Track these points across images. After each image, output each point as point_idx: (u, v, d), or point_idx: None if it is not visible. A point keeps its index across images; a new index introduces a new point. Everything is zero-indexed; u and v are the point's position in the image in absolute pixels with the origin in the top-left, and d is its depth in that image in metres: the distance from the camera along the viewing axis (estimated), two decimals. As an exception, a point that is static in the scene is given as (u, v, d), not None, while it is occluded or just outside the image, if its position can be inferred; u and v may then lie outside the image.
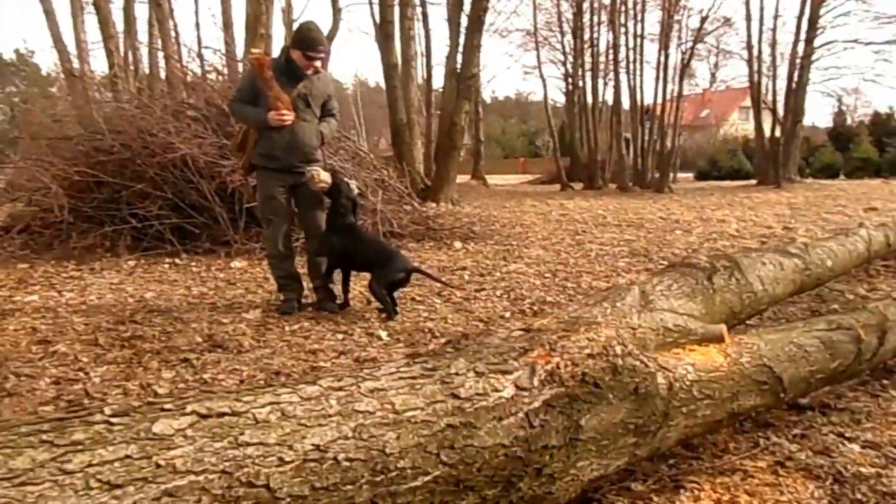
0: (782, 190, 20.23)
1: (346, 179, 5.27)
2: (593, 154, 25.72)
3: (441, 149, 11.89)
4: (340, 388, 1.48)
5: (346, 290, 5.21)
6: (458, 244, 8.49)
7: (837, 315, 2.99)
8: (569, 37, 27.47)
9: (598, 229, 10.29)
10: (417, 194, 10.37)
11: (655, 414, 2.00)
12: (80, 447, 1.14)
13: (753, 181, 25.01)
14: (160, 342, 4.31)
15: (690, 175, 31.20)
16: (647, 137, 24.37)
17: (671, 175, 23.12)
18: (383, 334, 4.47)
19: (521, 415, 1.66)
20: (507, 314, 5.02)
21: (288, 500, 1.27)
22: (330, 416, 1.40)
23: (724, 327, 2.44)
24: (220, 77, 9.27)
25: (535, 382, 1.73)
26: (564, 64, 28.10)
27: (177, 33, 13.26)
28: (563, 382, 1.77)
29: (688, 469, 2.38)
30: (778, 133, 23.16)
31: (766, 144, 23.46)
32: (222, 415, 1.30)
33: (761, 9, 23.28)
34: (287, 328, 4.70)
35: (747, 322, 3.51)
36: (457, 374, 1.64)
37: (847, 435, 2.66)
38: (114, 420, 1.21)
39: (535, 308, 5.18)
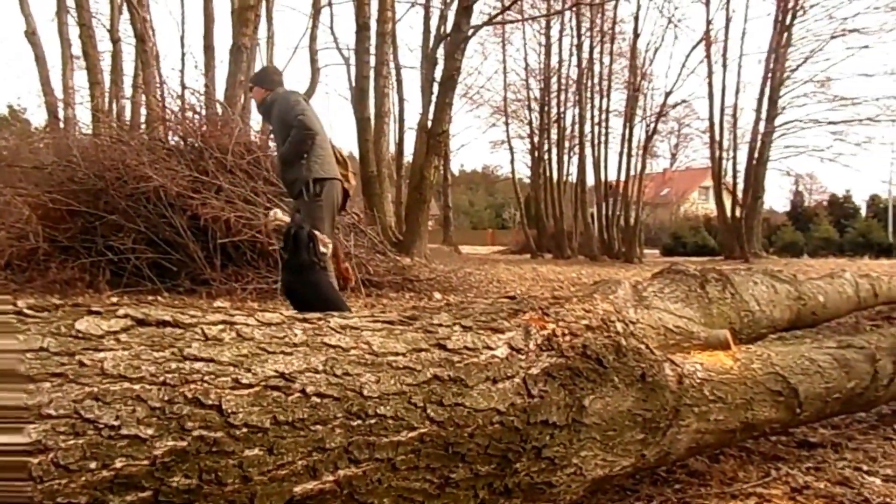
0: (752, 264, 20.35)
1: (305, 228, 4.80)
2: (559, 224, 25.90)
3: (411, 202, 11.87)
4: (306, 320, 1.27)
5: None
6: (437, 295, 8.29)
7: (848, 336, 2.81)
8: (536, 112, 28.03)
9: (575, 287, 10.15)
10: (390, 245, 10.21)
11: (665, 408, 1.80)
12: (-23, 333, 0.92)
13: (720, 256, 25.22)
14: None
15: (656, 251, 31.44)
16: (611, 212, 24.60)
17: (638, 248, 23.28)
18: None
19: (517, 380, 1.45)
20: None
21: (245, 430, 1.05)
22: (295, 345, 1.19)
23: (729, 332, 2.27)
24: (197, 116, 9.17)
25: (532, 346, 1.52)
26: (531, 137, 28.53)
27: (160, 75, 13.22)
28: (562, 352, 1.56)
29: (696, 493, 2.16)
30: (738, 212, 23.52)
31: (729, 220, 23.78)
32: (163, 324, 1.09)
33: (723, 87, 23.92)
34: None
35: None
36: (441, 325, 1.44)
37: (865, 469, 2.44)
38: (28, 311, 1.00)
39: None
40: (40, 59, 16.67)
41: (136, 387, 0.97)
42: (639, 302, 2.19)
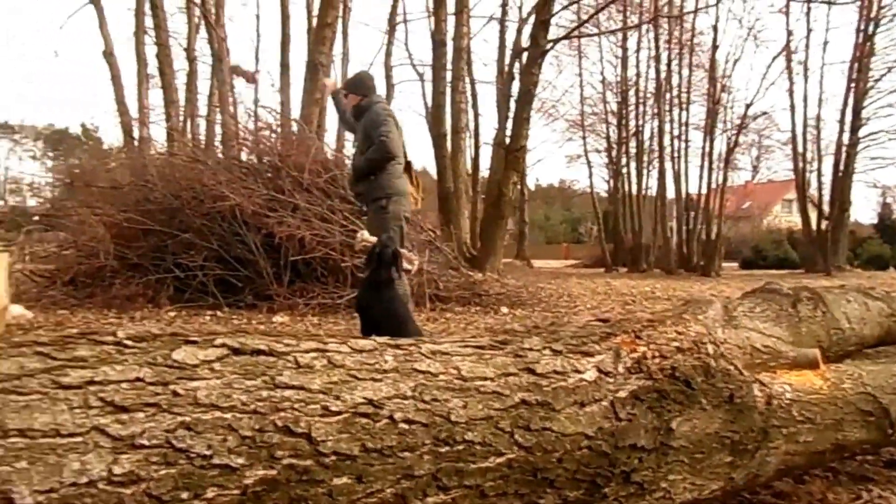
0: (834, 278, 19.59)
1: (390, 247, 4.65)
2: (637, 238, 25.53)
3: (489, 219, 11.80)
4: (398, 347, 1.25)
5: None
6: (504, 309, 8.23)
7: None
8: (613, 125, 27.64)
9: (648, 301, 9.94)
10: (465, 261, 10.20)
11: (753, 430, 1.72)
12: (81, 363, 0.93)
13: (801, 270, 24.39)
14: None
15: (735, 264, 30.58)
16: (691, 225, 24.12)
17: (717, 262, 22.69)
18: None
19: (605, 403, 1.40)
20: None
21: (334, 457, 1.04)
22: (385, 371, 1.17)
23: (818, 352, 2.16)
24: (273, 135, 9.36)
25: (620, 369, 1.47)
26: (609, 151, 28.18)
27: (234, 96, 13.61)
28: (650, 375, 1.51)
29: (783, 514, 2.06)
30: (824, 225, 22.74)
31: (814, 233, 23.00)
32: (258, 352, 1.08)
33: (805, 99, 23.17)
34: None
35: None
36: (531, 349, 1.40)
37: (974, 498, 2.28)
38: (128, 342, 1.01)
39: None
40: (116, 79, 17.25)
41: (228, 416, 0.97)
42: (728, 321, 2.09)
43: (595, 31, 19.71)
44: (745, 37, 23.10)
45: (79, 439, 0.86)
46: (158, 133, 18.53)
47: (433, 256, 8.81)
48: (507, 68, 16.25)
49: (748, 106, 23.26)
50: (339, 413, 1.06)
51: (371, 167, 5.05)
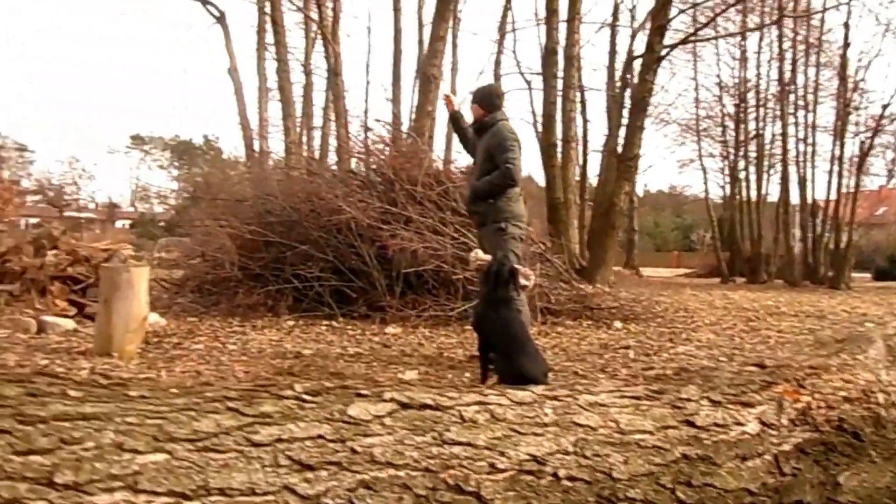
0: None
1: (506, 264, 4.62)
2: (756, 247, 24.34)
3: (599, 229, 11.61)
4: (555, 398, 1.24)
5: (483, 371, 4.55)
6: (618, 324, 8.05)
7: None
8: (731, 129, 26.51)
9: (773, 318, 9.49)
10: (574, 272, 10.06)
11: (927, 485, 1.60)
12: (268, 419, 0.97)
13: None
14: (318, 391, 4.23)
15: (867, 275, 28.67)
16: (817, 233, 22.72)
17: (847, 272, 21.30)
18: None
19: (768, 456, 1.34)
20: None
21: (501, 516, 1.03)
22: (546, 425, 1.16)
23: None
24: (387, 147, 9.54)
25: (784, 421, 1.40)
26: (726, 155, 27.09)
27: (344, 108, 13.97)
28: (816, 426, 1.43)
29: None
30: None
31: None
32: (424, 407, 1.09)
33: (948, 95, 21.44)
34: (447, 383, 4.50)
35: None
36: (688, 399, 1.36)
37: None
38: (306, 397, 1.04)
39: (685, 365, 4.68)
40: (239, 94, 18.11)
41: (402, 473, 0.98)
42: (892, 362, 1.96)
43: (713, 34, 18.94)
44: (883, 33, 21.66)
45: (271, 498, 0.89)
46: (277, 145, 19.29)
47: (544, 269, 8.73)
48: (619, 75, 15.95)
49: (885, 107, 21.83)
50: (505, 470, 1.06)
51: (493, 192, 5.04)
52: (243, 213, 9.22)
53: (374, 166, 9.02)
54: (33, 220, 38.87)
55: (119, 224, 65.09)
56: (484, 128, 5.29)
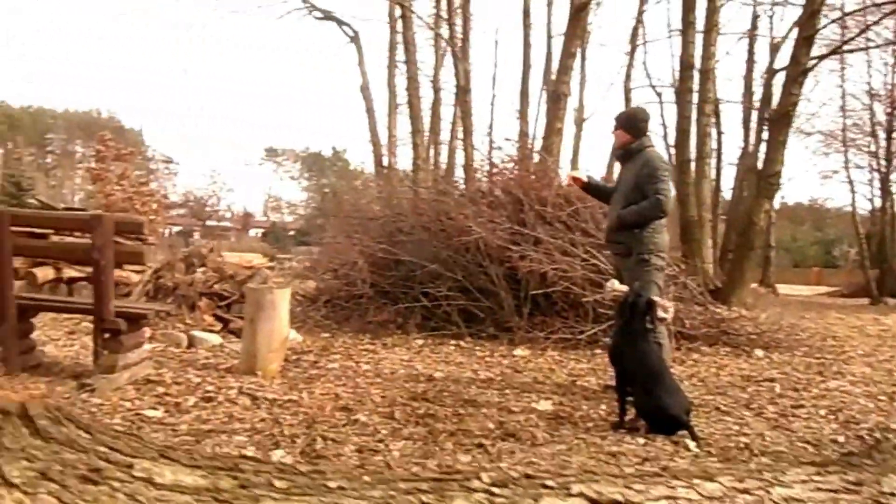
0: None
1: (643, 296, 4.57)
2: (913, 265, 22.49)
3: (736, 249, 11.11)
4: (745, 491, 1.16)
5: (622, 406, 4.45)
6: (759, 352, 7.64)
7: None
8: (882, 138, 24.67)
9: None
10: (708, 293, 9.65)
11: None
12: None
13: None
14: (453, 423, 4.23)
15: None
16: None
17: None
18: (692, 444, 3.98)
19: None
20: (840, 438, 4.26)
21: None
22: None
23: None
24: (516, 166, 9.51)
25: None
26: (876, 168, 25.24)
27: (473, 127, 14.09)
28: None
29: None
30: None
31: None
32: (613, 503, 1.05)
33: None
34: (581, 424, 4.40)
35: None
36: (892, 493, 1.23)
37: None
38: (495, 490, 1.02)
39: (877, 435, 4.34)
40: (370, 112, 18.65)
41: None
42: None
43: (865, 45, 17.65)
44: None
45: None
46: (405, 159, 19.71)
47: (677, 291, 8.43)
48: (756, 86, 15.24)
49: None
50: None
51: (640, 222, 4.90)
52: (374, 231, 9.43)
53: (502, 185, 8.99)
54: (176, 229, 41.48)
55: (252, 233, 68.72)
56: (629, 154, 5.15)
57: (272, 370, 5.36)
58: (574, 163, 15.16)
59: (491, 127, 17.54)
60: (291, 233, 58.27)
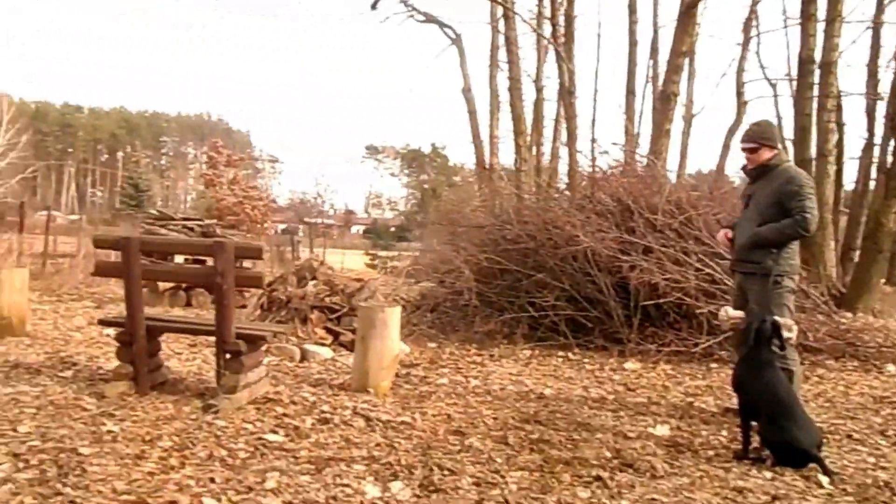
0: None
1: (768, 321, 4.35)
2: None
3: (862, 252, 10.38)
4: None
5: (745, 435, 4.26)
6: (891, 367, 7.15)
7: None
8: None
9: None
10: (831, 300, 9.10)
11: None
12: None
13: None
14: (568, 450, 4.15)
15: None
16: None
17: None
18: (825, 480, 3.75)
19: None
20: None
21: None
22: None
23: None
24: (624, 172, 9.25)
25: None
26: None
27: (574, 129, 13.70)
28: None
29: None
30: None
31: None
32: None
33: None
34: (702, 453, 4.23)
35: None
36: None
37: None
38: None
39: None
40: (472, 114, 18.55)
41: None
42: None
43: None
44: None
45: None
46: (507, 158, 19.50)
47: (798, 301, 7.98)
48: (883, 75, 14.19)
49: None
50: None
51: (780, 241, 4.64)
52: (478, 238, 9.39)
53: (609, 193, 8.76)
54: (282, 226, 42.78)
55: (354, 230, 70.29)
56: (764, 171, 4.89)
57: (384, 387, 5.41)
58: (682, 164, 14.60)
59: (594, 126, 17.10)
60: (392, 229, 59.31)
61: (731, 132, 15.94)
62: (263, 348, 5.15)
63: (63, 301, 10.80)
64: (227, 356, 4.78)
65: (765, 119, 5.46)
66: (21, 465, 3.37)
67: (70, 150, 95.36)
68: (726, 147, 16.29)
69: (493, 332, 8.36)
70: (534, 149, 17.07)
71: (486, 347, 8.07)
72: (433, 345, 8.25)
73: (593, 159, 9.52)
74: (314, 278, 7.37)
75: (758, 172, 4.94)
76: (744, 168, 5.14)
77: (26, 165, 57.19)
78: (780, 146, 5.00)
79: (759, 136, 4.94)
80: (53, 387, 4.94)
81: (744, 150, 5.03)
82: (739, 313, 4.64)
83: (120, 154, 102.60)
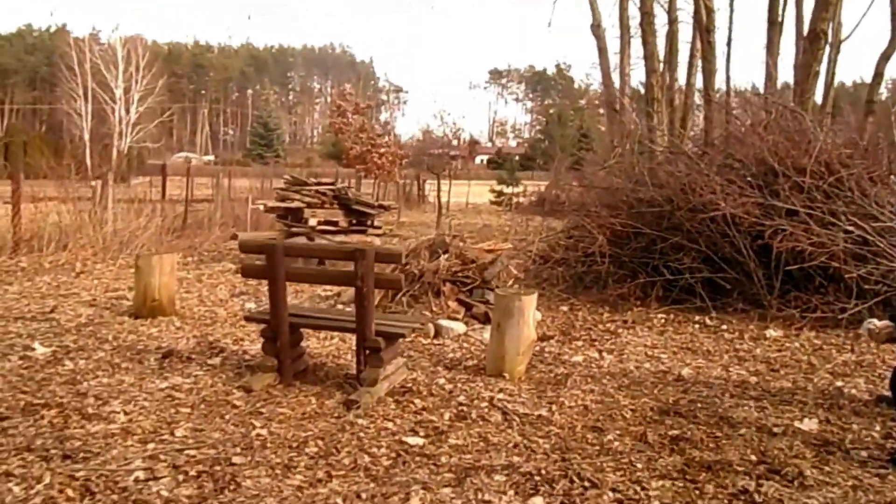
0: None
1: None
2: None
3: None
4: None
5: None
6: None
7: None
8: None
9: None
10: None
11: None
12: None
13: None
14: (709, 450, 4.08)
15: None
16: None
17: None
18: None
19: None
20: None
21: None
22: None
23: None
24: (768, 129, 8.64)
25: None
26: None
27: (711, 72, 12.69)
28: None
29: None
30: None
31: None
32: None
33: None
34: (854, 454, 4.04)
35: None
36: None
37: None
38: None
39: None
40: (603, 52, 17.70)
41: None
42: None
43: None
44: None
45: None
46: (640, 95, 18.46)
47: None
48: None
49: None
50: None
51: None
52: (612, 200, 9.17)
53: (754, 154, 8.25)
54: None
55: (478, 160, 69.98)
56: None
57: (519, 371, 5.51)
58: (826, 98, 13.00)
59: (728, 66, 15.55)
60: (516, 158, 58.66)
61: (885, 58, 14.42)
62: (400, 342, 5.32)
63: (204, 261, 11.53)
64: (367, 352, 5.00)
65: None
66: (181, 477, 3.60)
67: (202, 91, 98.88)
68: (878, 76, 14.81)
69: (626, 294, 8.25)
70: (665, 90, 15.92)
71: (618, 310, 8.01)
72: (565, 308, 8.26)
73: (730, 109, 8.95)
74: (446, 251, 7.50)
75: None
76: None
77: (163, 109, 57.96)
78: None
79: None
80: (204, 378, 5.27)
81: None
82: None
83: (249, 92, 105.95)
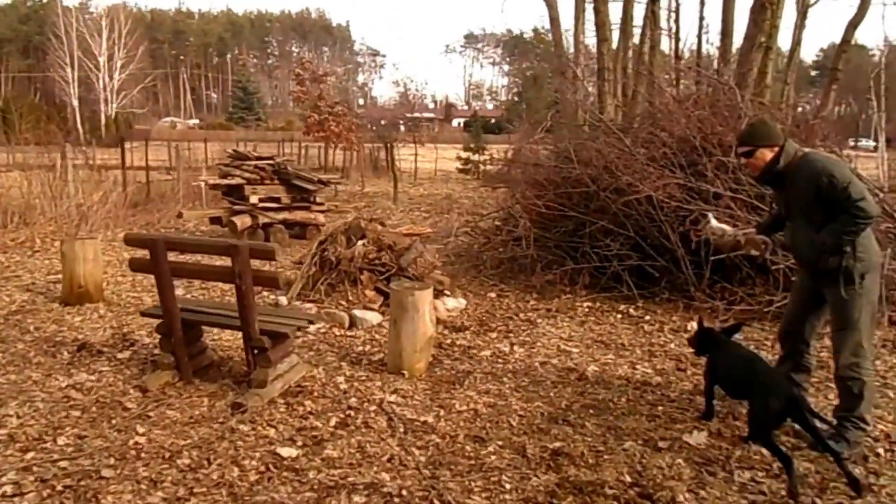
0: None
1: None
2: None
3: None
4: None
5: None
6: None
7: None
8: None
9: None
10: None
11: None
12: None
13: None
14: (587, 467, 3.90)
15: None
16: None
17: None
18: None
19: None
20: None
21: None
22: None
23: None
24: (697, 102, 8.39)
25: None
26: None
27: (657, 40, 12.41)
28: None
29: None
30: None
31: None
32: None
33: None
34: (738, 476, 3.86)
35: None
36: None
37: None
38: None
39: None
40: (554, 21, 17.28)
41: None
42: None
43: None
44: None
45: None
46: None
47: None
48: None
49: None
50: None
51: (850, 240, 4.02)
52: (541, 178, 8.89)
53: (676, 131, 8.00)
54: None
55: (455, 122, 69.36)
56: (781, 172, 4.25)
57: (419, 368, 5.37)
58: (791, 61, 12.57)
59: (677, 35, 15.22)
60: (492, 121, 58.10)
61: (853, 26, 14.16)
62: (290, 339, 5.15)
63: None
64: (255, 352, 4.83)
65: (758, 118, 4.83)
66: (46, 492, 3.51)
67: (182, 57, 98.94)
68: (844, 42, 14.57)
69: (553, 280, 8.09)
70: (621, 55, 15.61)
71: (545, 298, 7.86)
72: (493, 294, 8.11)
73: (660, 83, 8.68)
74: (363, 237, 7.28)
75: (775, 176, 4.30)
76: (757, 179, 4.60)
77: (146, 75, 59.87)
78: (782, 140, 4.29)
79: (752, 138, 4.32)
80: (108, 375, 5.22)
81: (739, 155, 4.50)
82: (724, 227, 4.88)
83: (229, 57, 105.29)
